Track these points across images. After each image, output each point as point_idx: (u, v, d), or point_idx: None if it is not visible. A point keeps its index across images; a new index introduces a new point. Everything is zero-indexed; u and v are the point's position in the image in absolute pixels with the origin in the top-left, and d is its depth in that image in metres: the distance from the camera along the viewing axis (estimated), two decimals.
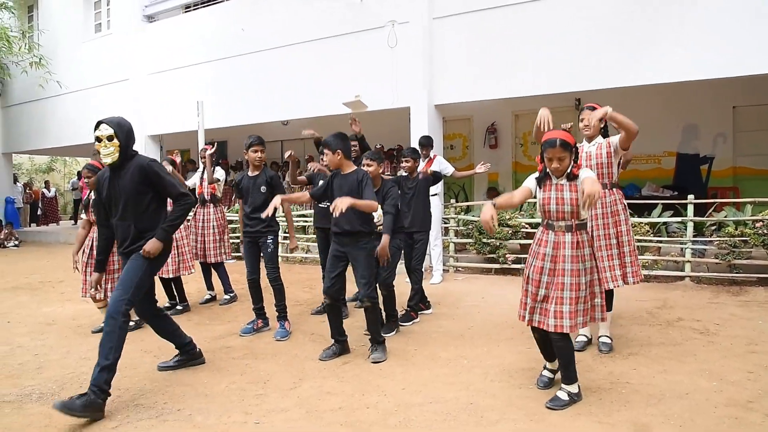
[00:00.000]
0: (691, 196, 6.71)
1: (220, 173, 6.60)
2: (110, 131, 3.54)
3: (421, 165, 7.15)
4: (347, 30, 9.27)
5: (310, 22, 9.62)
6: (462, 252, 8.47)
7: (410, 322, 5.31)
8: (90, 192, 5.35)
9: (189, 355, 4.21)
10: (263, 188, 4.93)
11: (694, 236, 6.71)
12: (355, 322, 5.23)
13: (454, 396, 3.51)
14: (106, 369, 3.31)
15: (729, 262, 6.42)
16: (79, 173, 17.80)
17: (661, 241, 6.95)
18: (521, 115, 11.40)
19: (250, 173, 5.04)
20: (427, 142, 7.11)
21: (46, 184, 20.06)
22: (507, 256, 7.65)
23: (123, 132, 3.60)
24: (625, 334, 4.61)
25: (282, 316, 5.07)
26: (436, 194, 7.15)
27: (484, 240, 7.78)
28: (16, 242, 13.82)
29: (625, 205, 4.19)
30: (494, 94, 8.26)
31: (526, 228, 7.66)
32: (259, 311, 5.18)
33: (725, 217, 6.70)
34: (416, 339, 4.81)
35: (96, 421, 3.26)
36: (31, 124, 14.98)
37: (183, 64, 11.53)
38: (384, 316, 4.94)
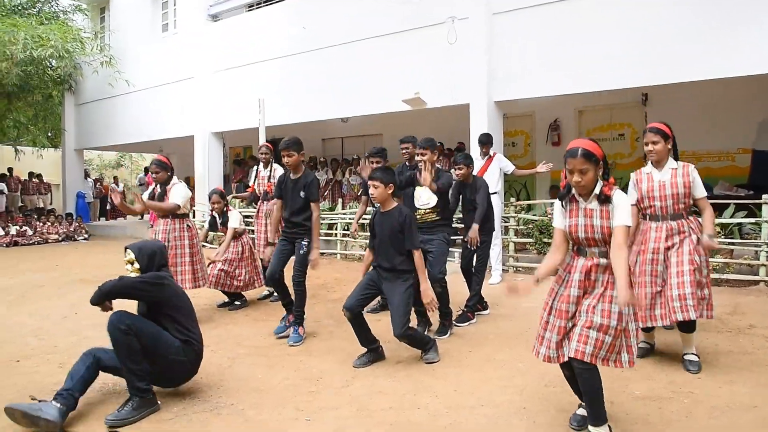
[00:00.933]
0: (766, 196, 6.31)
1: (279, 172, 6.69)
2: (131, 256, 3.65)
3: (481, 163, 7.07)
4: (407, 27, 9.22)
5: (370, 20, 9.63)
6: (522, 252, 8.28)
7: (467, 323, 5.23)
8: (156, 185, 5.54)
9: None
10: (302, 193, 4.83)
11: None
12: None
13: (507, 399, 3.43)
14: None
15: None
16: (146, 169, 18.56)
17: (733, 243, 6.58)
18: (585, 111, 11.06)
19: (292, 176, 4.93)
20: (486, 140, 7.00)
21: (115, 179, 21.02)
22: None
23: (144, 256, 3.67)
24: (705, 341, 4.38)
25: (298, 321, 4.90)
26: (495, 192, 7.01)
27: (545, 240, 7.58)
28: (86, 236, 14.50)
29: (695, 240, 3.81)
30: (556, 90, 8.04)
31: None
32: (289, 305, 5.01)
33: None
34: (472, 340, 4.74)
35: (153, 412, 3.36)
36: (101, 121, 15.70)
37: (246, 62, 11.79)
38: (438, 314, 4.88)
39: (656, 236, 3.83)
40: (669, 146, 3.85)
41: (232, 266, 6.02)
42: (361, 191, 5.86)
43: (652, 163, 3.92)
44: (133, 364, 3.32)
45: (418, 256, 4.09)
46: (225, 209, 6.20)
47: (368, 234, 4.61)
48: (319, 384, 3.81)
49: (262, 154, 6.63)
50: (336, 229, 9.95)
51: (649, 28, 7.08)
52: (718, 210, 7.03)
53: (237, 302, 6.20)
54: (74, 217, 15.44)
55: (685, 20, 6.85)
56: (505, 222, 8.08)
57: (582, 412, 3.05)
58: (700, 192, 3.85)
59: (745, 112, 9.25)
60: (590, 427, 2.81)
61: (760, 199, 6.38)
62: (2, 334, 5.30)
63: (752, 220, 6.52)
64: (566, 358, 2.80)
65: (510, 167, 7.07)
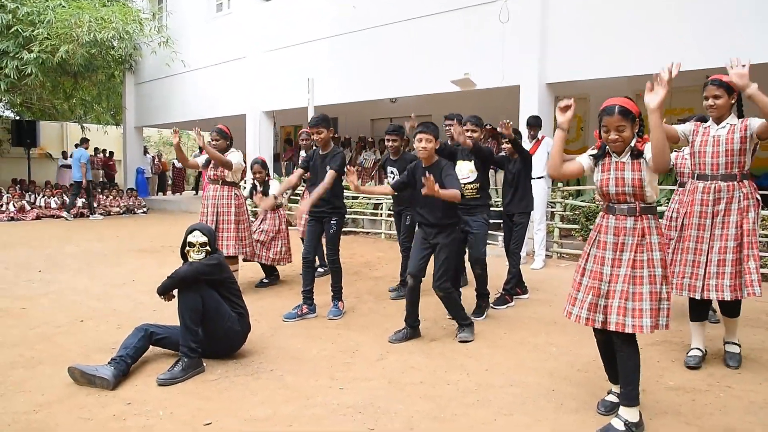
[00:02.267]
0: None
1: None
2: (204, 239, 3.81)
3: (529, 146, 7.00)
4: (458, 5, 9.11)
5: None
6: (567, 238, 8.18)
7: (504, 306, 5.25)
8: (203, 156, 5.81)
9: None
10: (328, 168, 4.77)
11: None
12: (435, 304, 5.17)
13: (537, 381, 3.46)
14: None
15: None
16: (200, 149, 19.09)
17: None
18: (644, 95, 10.70)
19: (320, 152, 4.93)
20: (534, 122, 6.93)
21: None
22: None
23: (213, 238, 3.90)
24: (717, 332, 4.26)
25: (337, 296, 4.97)
26: (542, 177, 6.95)
27: (591, 226, 7.47)
28: (144, 209, 15.11)
29: (758, 200, 3.55)
30: (610, 72, 7.81)
31: None
32: (307, 294, 4.94)
33: None
34: (508, 323, 4.76)
35: (199, 374, 3.57)
36: (159, 99, 16.24)
37: (296, 42, 11.93)
38: (476, 295, 4.93)
39: (703, 198, 3.54)
40: (732, 101, 3.49)
41: (268, 237, 6.15)
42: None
43: (712, 119, 3.58)
44: (192, 323, 3.57)
45: (453, 192, 3.96)
46: (266, 178, 6.33)
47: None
48: (355, 356, 3.93)
49: (302, 140, 6.66)
50: (381, 209, 10.05)
51: (714, 6, 6.78)
52: None
53: (266, 280, 6.26)
54: (136, 192, 16.10)
55: None
56: (552, 207, 7.98)
57: (611, 398, 3.05)
58: (758, 123, 3.40)
59: None
60: (621, 408, 2.79)
61: None
62: (70, 296, 5.68)
63: None
64: (598, 324, 2.80)
65: None
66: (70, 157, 14.91)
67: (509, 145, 5.25)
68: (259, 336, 4.35)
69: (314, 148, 5.08)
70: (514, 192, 5.32)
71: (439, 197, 3.82)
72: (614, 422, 2.77)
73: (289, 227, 6.52)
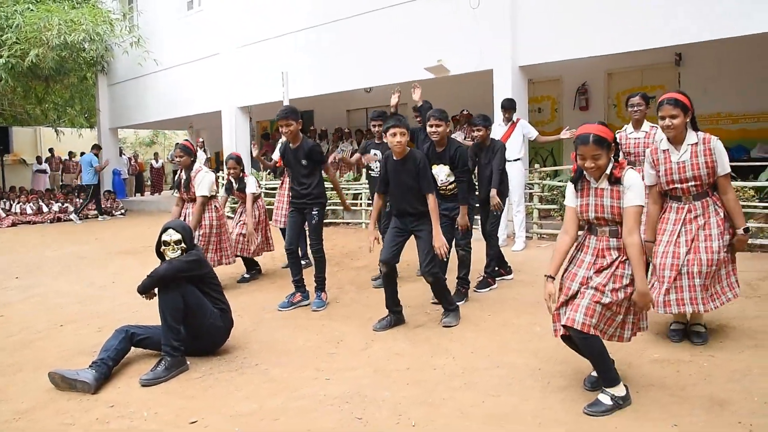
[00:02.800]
0: None
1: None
2: (178, 236, 3.76)
3: (505, 129, 7.01)
4: None
5: None
6: (546, 218, 8.22)
7: (487, 289, 5.26)
8: (180, 171, 5.69)
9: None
10: (304, 161, 4.80)
11: None
12: (418, 290, 5.23)
13: (522, 362, 3.47)
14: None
15: None
16: (177, 145, 18.92)
17: None
18: (615, 74, 10.76)
19: (291, 145, 4.88)
20: (509, 105, 6.93)
21: (155, 155, 21.47)
22: None
23: (188, 235, 3.85)
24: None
25: (320, 287, 4.95)
26: (519, 159, 6.97)
27: None
28: (122, 211, 14.90)
29: (723, 217, 3.47)
30: (583, 52, 7.81)
31: None
32: (298, 283, 4.99)
33: None
34: (491, 305, 4.78)
35: (183, 372, 3.53)
36: (133, 100, 15.99)
37: (269, 36, 11.81)
38: (456, 281, 4.93)
39: (676, 218, 3.53)
40: (688, 119, 3.42)
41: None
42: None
43: (668, 139, 3.50)
44: (174, 322, 3.53)
45: (432, 200, 4.06)
46: (241, 175, 6.28)
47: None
48: (340, 346, 3.92)
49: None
50: (361, 198, 10.02)
51: None
52: (754, 173, 6.87)
53: (247, 275, 6.22)
54: (112, 194, 15.88)
55: None
56: (530, 189, 8.01)
57: (596, 374, 3.06)
58: (723, 169, 3.40)
59: None
60: (605, 389, 2.83)
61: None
62: (50, 300, 5.61)
63: None
64: (561, 329, 2.87)
65: (533, 133, 6.98)
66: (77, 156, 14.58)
67: (480, 132, 5.23)
68: (242, 331, 4.31)
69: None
70: (489, 178, 5.30)
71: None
72: (601, 397, 2.81)
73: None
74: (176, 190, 6.00)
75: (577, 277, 2.86)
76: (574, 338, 2.84)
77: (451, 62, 8.68)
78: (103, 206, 14.13)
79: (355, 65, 10.34)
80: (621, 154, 2.85)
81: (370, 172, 5.95)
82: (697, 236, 3.46)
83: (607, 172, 2.79)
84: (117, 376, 3.54)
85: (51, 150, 18.88)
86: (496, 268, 5.48)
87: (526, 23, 8.12)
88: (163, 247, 3.79)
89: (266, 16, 11.88)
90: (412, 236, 4.28)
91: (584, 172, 2.88)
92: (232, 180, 6.30)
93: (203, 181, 5.50)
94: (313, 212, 4.86)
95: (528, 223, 7.74)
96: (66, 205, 14.40)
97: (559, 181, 7.99)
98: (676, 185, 3.49)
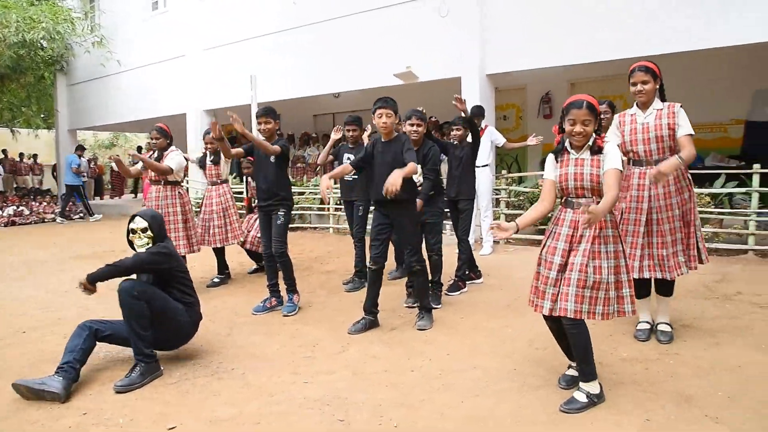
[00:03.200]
0: (756, 166, 6.39)
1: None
2: (144, 224, 3.69)
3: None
4: (398, 0, 9.18)
5: None
6: None
7: (458, 292, 5.33)
8: (154, 152, 5.67)
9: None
10: (272, 158, 4.78)
11: (760, 208, 6.41)
12: (392, 294, 5.30)
13: (498, 363, 3.54)
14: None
15: None
16: (139, 148, 18.52)
17: (723, 213, 6.68)
18: (577, 84, 11.06)
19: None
20: (478, 112, 7.02)
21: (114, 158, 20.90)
22: None
23: (156, 224, 3.74)
24: (679, 307, 4.48)
25: (291, 289, 4.93)
26: (487, 165, 7.08)
27: None
28: (81, 214, 14.52)
29: (690, 181, 3.69)
30: (548, 62, 8.04)
31: None
32: (273, 288, 4.99)
33: None
34: (463, 308, 4.84)
35: (158, 377, 3.47)
36: (94, 101, 15.61)
37: (237, 39, 11.72)
38: (430, 284, 4.99)
39: (639, 183, 3.64)
40: (657, 86, 3.63)
41: (221, 218, 6.03)
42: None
43: (638, 104, 3.71)
44: (141, 330, 3.43)
45: (412, 165, 4.01)
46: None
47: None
48: (315, 350, 3.92)
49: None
50: (329, 203, 10.01)
51: None
52: (709, 181, 7.15)
53: (216, 279, 6.14)
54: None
55: None
56: (497, 194, 8.15)
57: (571, 372, 3.16)
58: (685, 130, 3.56)
59: (738, 83, 9.29)
60: (581, 384, 2.93)
61: (751, 169, 6.46)
62: (11, 307, 5.42)
63: (742, 190, 6.61)
64: (546, 311, 2.92)
65: (501, 140, 7.12)
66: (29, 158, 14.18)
67: (459, 132, 5.33)
68: (216, 335, 4.27)
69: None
70: (459, 179, 5.39)
71: (400, 177, 3.80)
72: (576, 395, 2.90)
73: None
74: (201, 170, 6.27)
75: (557, 251, 2.93)
76: (565, 328, 2.92)
77: (420, 69, 8.76)
78: (56, 210, 13.77)
79: (324, 70, 10.35)
80: (602, 127, 2.97)
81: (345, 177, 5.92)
82: (657, 207, 3.60)
83: (590, 143, 2.90)
84: (87, 382, 3.45)
85: (4, 151, 18.26)
86: (467, 272, 5.56)
87: (494, 32, 8.29)
88: (130, 236, 3.71)
89: (234, 18, 11.79)
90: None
91: (565, 144, 2.98)
92: (208, 153, 6.24)
93: (175, 158, 5.55)
94: (279, 213, 4.83)
95: None
96: (21, 208, 13.92)
97: (525, 187, 8.15)
98: (638, 146, 3.65)
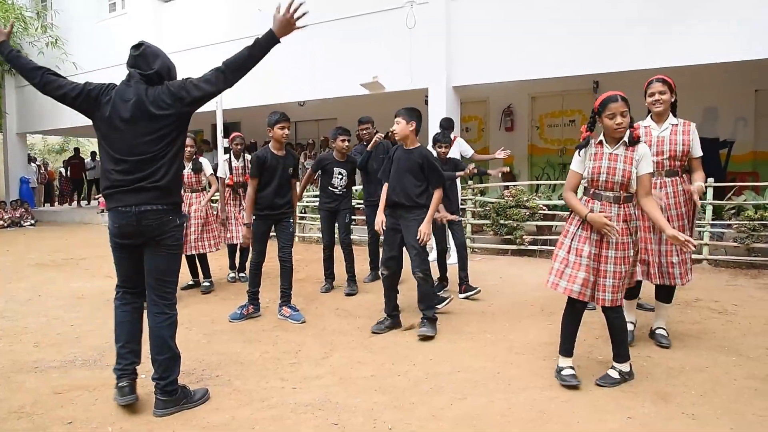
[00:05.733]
0: (710, 180, 6.74)
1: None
2: None
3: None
4: (365, 10, 9.29)
5: (328, 3, 9.61)
6: (479, 233, 8.56)
7: (473, 292, 5.52)
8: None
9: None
10: (290, 170, 4.89)
11: (713, 220, 6.76)
12: (369, 302, 5.36)
13: (481, 366, 3.63)
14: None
15: (747, 246, 6.49)
16: (92, 153, 17.98)
17: None
18: (538, 98, 11.41)
19: (276, 152, 4.82)
20: (448, 125, 7.18)
21: (65, 164, 20.23)
22: (524, 237, 7.74)
23: None
24: (646, 313, 4.69)
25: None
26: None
27: (502, 221, 7.87)
28: (32, 221, 14.01)
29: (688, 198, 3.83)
30: (513, 75, 8.29)
31: (543, 210, 7.74)
32: (254, 296, 4.97)
33: (745, 201, 6.75)
34: (440, 314, 4.91)
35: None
36: (45, 104, 15.00)
37: (199, 44, 11.54)
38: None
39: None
40: (672, 99, 3.81)
41: (209, 225, 6.10)
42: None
43: (652, 117, 3.86)
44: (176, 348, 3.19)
45: (439, 194, 4.29)
46: (195, 156, 6.04)
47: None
48: (299, 356, 3.92)
49: (236, 144, 6.42)
50: (305, 212, 10.00)
51: (601, 18, 7.40)
52: None
53: (205, 283, 6.12)
54: (20, 203, 14.85)
55: (636, 11, 7.18)
56: (463, 204, 8.32)
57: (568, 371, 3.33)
58: (698, 151, 3.79)
59: (690, 100, 9.72)
60: (615, 364, 3.31)
61: (705, 183, 6.79)
62: None
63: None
64: (587, 298, 3.19)
65: (469, 151, 7.29)
66: None
67: (443, 150, 5.42)
68: (195, 343, 4.22)
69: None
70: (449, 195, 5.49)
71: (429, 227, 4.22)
72: (611, 372, 3.32)
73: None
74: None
75: (589, 241, 3.18)
76: (608, 316, 3.27)
77: (387, 80, 8.89)
78: (10, 216, 13.22)
79: (290, 78, 10.33)
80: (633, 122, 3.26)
81: (330, 188, 5.85)
82: (674, 217, 3.78)
83: (625, 138, 3.14)
84: (69, 390, 3.36)
85: None
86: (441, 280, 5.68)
87: (459, 45, 8.48)
88: None
89: (196, 24, 11.66)
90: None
91: (590, 141, 3.23)
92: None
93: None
94: (291, 221, 4.96)
95: None
96: None
97: (489, 198, 8.35)
98: (654, 158, 3.77)
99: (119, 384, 3.05)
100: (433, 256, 7.35)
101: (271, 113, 4.87)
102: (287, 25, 3.14)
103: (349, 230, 5.93)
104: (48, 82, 3.11)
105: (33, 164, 18.09)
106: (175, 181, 3.08)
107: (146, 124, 2.96)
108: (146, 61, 3.09)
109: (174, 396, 3.05)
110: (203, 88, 3.06)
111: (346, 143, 5.82)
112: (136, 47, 3.12)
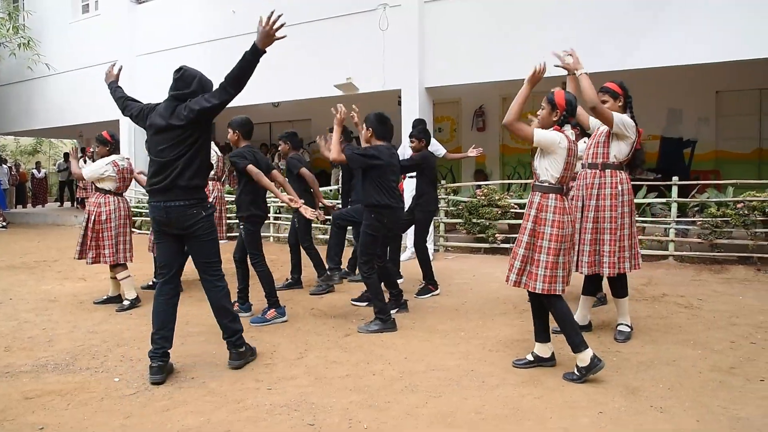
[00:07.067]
0: (675, 178, 6.94)
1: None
2: None
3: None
4: (339, 12, 9.32)
5: (302, 4, 9.60)
6: (451, 232, 8.64)
7: (428, 295, 5.65)
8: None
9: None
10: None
11: (678, 217, 6.94)
12: (341, 299, 5.43)
13: (455, 364, 3.69)
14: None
15: (711, 242, 6.67)
16: (65, 154, 17.68)
17: (645, 222, 7.18)
18: (509, 99, 11.43)
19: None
20: (420, 126, 7.24)
21: (37, 165, 19.86)
22: (496, 235, 7.84)
23: None
24: (614, 308, 4.78)
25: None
26: None
27: (474, 220, 7.96)
28: (4, 223, 13.71)
29: (630, 188, 4.10)
30: (485, 77, 8.39)
31: (515, 208, 7.85)
32: (241, 293, 5.14)
33: (708, 198, 6.95)
34: (413, 313, 4.99)
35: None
36: (18, 105, 14.83)
37: (173, 46, 11.46)
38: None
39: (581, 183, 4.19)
40: (619, 104, 4.07)
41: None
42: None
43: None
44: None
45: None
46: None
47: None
48: (274, 357, 3.93)
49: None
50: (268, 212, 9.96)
51: (567, 21, 7.54)
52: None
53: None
54: None
55: (601, 14, 7.34)
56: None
57: (530, 357, 3.63)
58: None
59: (655, 102, 9.99)
60: (574, 354, 3.37)
61: (670, 181, 6.99)
62: None
63: (663, 200, 7.14)
64: (522, 286, 3.43)
65: (442, 151, 7.35)
66: None
67: (415, 144, 5.51)
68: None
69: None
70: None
71: None
72: (575, 369, 3.39)
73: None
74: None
75: (523, 241, 3.43)
76: (547, 306, 3.45)
77: (361, 81, 8.92)
78: None
79: (263, 79, 10.15)
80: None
81: None
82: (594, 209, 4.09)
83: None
84: (41, 395, 3.32)
85: None
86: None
87: (432, 47, 8.57)
88: None
89: (170, 25, 11.55)
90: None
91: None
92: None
93: (91, 165, 5.72)
94: (242, 226, 5.04)
95: (435, 236, 8.11)
96: None
97: (462, 197, 8.44)
98: (589, 150, 4.25)
99: (151, 364, 3.50)
100: (407, 254, 7.44)
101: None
102: (268, 36, 3.46)
103: (294, 232, 6.25)
104: (126, 107, 4.01)
105: (4, 165, 17.68)
106: (195, 181, 3.56)
107: (168, 133, 3.51)
108: (185, 83, 3.63)
109: (242, 349, 3.73)
110: (209, 101, 3.50)
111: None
112: (177, 71, 3.69)
